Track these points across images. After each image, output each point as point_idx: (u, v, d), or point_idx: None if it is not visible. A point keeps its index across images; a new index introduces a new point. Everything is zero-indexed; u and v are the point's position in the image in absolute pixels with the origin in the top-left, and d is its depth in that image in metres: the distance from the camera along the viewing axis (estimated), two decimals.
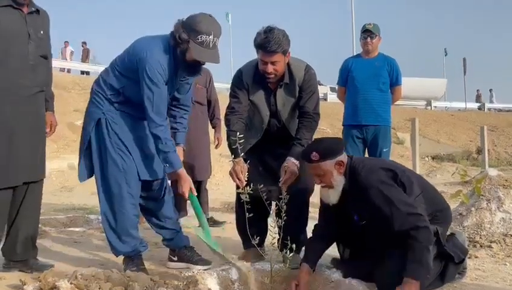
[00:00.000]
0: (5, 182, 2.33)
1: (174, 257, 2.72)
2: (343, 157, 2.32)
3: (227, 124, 2.70)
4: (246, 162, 2.64)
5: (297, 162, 2.58)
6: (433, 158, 13.35)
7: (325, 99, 21.03)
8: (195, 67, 2.51)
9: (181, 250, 2.71)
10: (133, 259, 2.55)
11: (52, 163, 6.94)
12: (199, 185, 4.01)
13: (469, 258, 3.02)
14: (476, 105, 24.68)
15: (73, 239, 3.43)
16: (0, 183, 2.32)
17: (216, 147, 4.33)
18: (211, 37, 2.37)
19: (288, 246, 2.10)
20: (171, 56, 2.44)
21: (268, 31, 2.54)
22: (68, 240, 3.40)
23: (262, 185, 2.21)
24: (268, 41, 2.51)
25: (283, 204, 2.08)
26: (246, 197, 2.17)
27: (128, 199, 2.48)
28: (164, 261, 2.76)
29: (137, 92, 2.45)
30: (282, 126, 2.75)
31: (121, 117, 2.52)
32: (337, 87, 4.61)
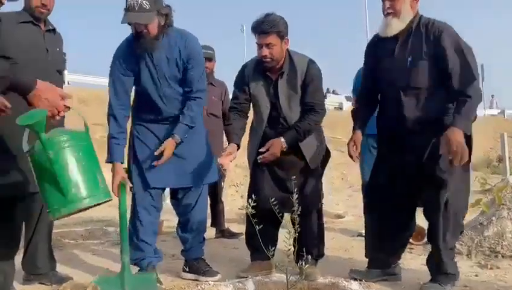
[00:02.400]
0: (12, 189, 2.35)
1: (187, 267, 2.75)
2: None
3: (228, 119, 2.79)
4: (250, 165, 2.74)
5: (285, 145, 2.59)
6: None
7: (341, 108, 20.94)
8: (137, 38, 2.47)
9: (192, 261, 2.75)
10: (147, 270, 2.58)
11: None
12: (215, 197, 4.02)
13: (491, 269, 2.96)
14: (495, 111, 24.26)
15: (92, 251, 3.47)
16: (7, 190, 2.33)
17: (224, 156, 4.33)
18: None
19: (304, 258, 2.08)
20: (132, 43, 2.52)
21: (265, 15, 2.59)
22: (87, 252, 3.44)
23: (273, 199, 2.19)
24: (263, 22, 2.56)
25: (296, 215, 2.06)
26: (248, 210, 2.13)
27: (140, 205, 2.58)
28: (180, 273, 2.78)
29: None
30: (284, 120, 2.69)
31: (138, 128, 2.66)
32: (352, 96, 4.58)
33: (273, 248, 2.10)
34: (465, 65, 2.30)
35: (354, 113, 2.66)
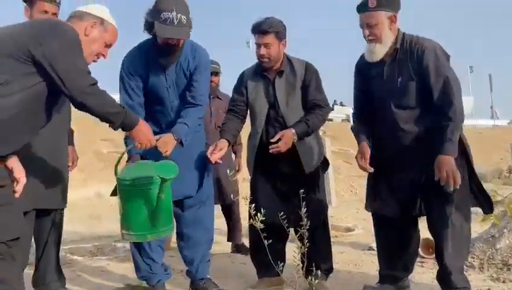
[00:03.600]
0: (30, 205, 2.35)
1: (193, 289, 2.69)
2: (396, 14, 2.42)
3: (223, 121, 2.80)
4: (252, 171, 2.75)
5: (295, 137, 2.59)
6: None
7: (348, 120, 20.87)
8: (166, 50, 2.45)
9: (198, 282, 2.67)
10: (156, 288, 2.57)
11: (79, 192, 7.07)
12: (229, 210, 4.01)
13: (503, 282, 2.91)
14: (505, 122, 24.08)
15: (101, 268, 3.46)
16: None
17: (237, 171, 4.33)
18: (174, 13, 2.35)
19: (313, 273, 2.06)
20: (143, 50, 2.51)
21: (264, 17, 2.66)
22: (95, 269, 3.43)
23: (282, 213, 2.17)
24: (262, 22, 2.62)
25: (304, 230, 2.05)
26: (257, 224, 2.11)
27: None
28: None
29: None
30: (282, 120, 2.69)
31: None
32: None
33: (282, 264, 2.08)
34: (444, 87, 2.33)
35: (354, 128, 2.66)
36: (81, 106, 1.78)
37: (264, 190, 2.71)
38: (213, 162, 2.53)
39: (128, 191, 2.14)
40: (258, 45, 2.65)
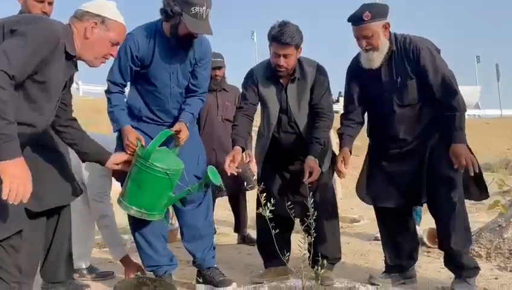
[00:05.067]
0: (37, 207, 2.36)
1: (200, 278, 2.71)
2: (388, 21, 2.48)
3: (233, 120, 2.76)
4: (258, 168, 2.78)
5: (317, 161, 2.59)
6: None
7: None
8: (187, 41, 2.45)
9: (205, 271, 2.68)
10: (163, 279, 2.58)
11: None
12: (236, 201, 4.01)
13: (510, 271, 2.91)
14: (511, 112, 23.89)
15: (108, 259, 3.48)
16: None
17: (247, 163, 4.32)
18: (204, 8, 2.33)
19: (319, 263, 2.07)
20: (153, 33, 2.46)
21: (283, 24, 2.59)
22: (103, 260, 3.46)
23: (289, 203, 2.18)
24: (283, 33, 2.55)
25: (311, 220, 2.05)
26: (266, 213, 2.12)
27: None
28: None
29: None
30: (295, 124, 2.71)
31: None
32: None
33: (288, 253, 2.09)
34: (444, 82, 2.43)
35: (340, 131, 2.72)
36: None
37: (273, 182, 2.72)
38: (229, 174, 2.51)
39: (156, 176, 2.29)
40: (277, 55, 2.61)
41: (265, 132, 2.77)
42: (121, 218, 3.07)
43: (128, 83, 2.59)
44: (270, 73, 2.72)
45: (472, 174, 2.38)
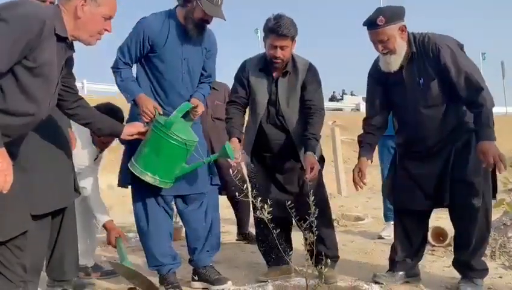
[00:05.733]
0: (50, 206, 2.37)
1: (196, 276, 2.73)
2: (405, 23, 2.43)
3: (226, 113, 2.82)
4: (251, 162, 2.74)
5: (315, 157, 2.59)
6: None
7: (358, 110, 20.76)
8: (201, 27, 2.54)
9: (200, 269, 2.71)
10: (166, 278, 2.60)
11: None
12: (235, 201, 4.01)
13: None
14: None
15: (113, 257, 3.50)
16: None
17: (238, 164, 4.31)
18: None
19: (323, 262, 2.07)
20: (167, 20, 2.54)
21: (279, 17, 2.64)
22: (109, 258, 3.47)
23: (289, 202, 2.18)
24: (280, 25, 2.60)
25: (313, 218, 2.05)
26: (265, 214, 2.12)
27: (152, 211, 2.58)
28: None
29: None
30: (281, 118, 2.72)
31: None
32: None
33: (290, 252, 2.09)
34: (467, 78, 2.36)
35: (361, 139, 2.69)
36: None
37: (265, 184, 2.73)
38: (234, 163, 2.52)
39: (175, 146, 2.37)
40: (274, 46, 2.63)
41: (252, 122, 2.79)
42: (123, 217, 3.08)
43: (137, 71, 2.62)
44: (263, 65, 2.76)
45: (501, 173, 2.33)
